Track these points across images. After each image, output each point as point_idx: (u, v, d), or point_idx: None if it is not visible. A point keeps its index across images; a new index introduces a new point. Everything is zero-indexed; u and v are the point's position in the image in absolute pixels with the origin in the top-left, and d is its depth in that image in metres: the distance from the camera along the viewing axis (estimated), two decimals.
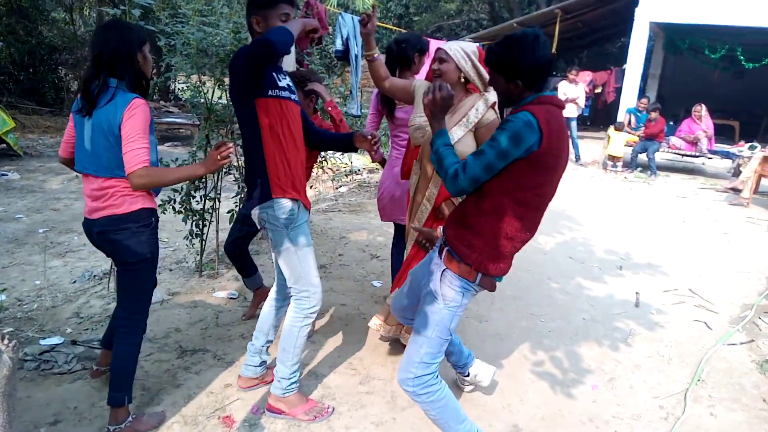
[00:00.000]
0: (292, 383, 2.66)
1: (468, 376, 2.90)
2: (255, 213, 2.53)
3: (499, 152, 1.97)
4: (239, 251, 3.62)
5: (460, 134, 2.73)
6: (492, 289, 2.24)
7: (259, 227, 2.58)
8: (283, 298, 2.85)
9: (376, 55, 2.95)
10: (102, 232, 2.37)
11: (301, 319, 2.61)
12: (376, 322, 3.21)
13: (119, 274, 2.50)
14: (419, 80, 3.05)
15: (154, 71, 15.51)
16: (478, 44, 3.06)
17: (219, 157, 2.30)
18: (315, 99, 3.61)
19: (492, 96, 2.77)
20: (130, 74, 2.34)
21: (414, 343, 2.28)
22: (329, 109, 3.56)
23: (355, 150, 2.91)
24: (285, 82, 2.54)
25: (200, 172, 2.39)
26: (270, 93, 2.43)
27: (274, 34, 2.26)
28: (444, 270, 2.20)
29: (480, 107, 2.76)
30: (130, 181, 2.23)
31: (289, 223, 2.49)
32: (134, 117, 2.24)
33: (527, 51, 2.01)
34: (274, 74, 2.47)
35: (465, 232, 2.16)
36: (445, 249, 2.21)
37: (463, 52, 2.75)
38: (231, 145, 2.29)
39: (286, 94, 2.51)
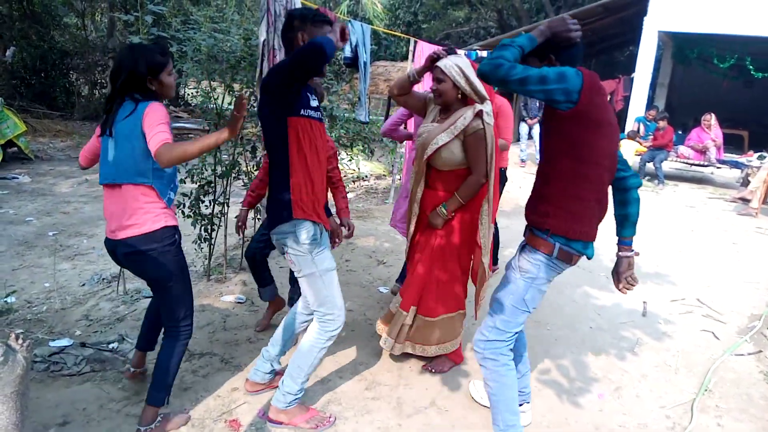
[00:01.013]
0: (295, 399, 2.65)
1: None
2: (278, 237, 2.47)
3: (542, 75, 2.07)
4: (260, 257, 3.54)
5: (446, 139, 2.91)
6: (570, 261, 2.30)
7: (281, 251, 2.53)
8: (310, 313, 2.81)
9: (417, 80, 3.13)
10: (128, 254, 2.38)
11: (324, 341, 2.59)
12: (388, 343, 3.20)
13: (153, 290, 2.57)
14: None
15: None
16: (467, 54, 3.17)
17: (237, 114, 2.19)
18: None
19: (480, 106, 2.92)
20: (148, 95, 2.36)
21: (491, 310, 2.45)
22: None
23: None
24: (315, 102, 2.51)
25: (224, 136, 2.23)
26: (302, 112, 2.40)
27: (318, 39, 2.22)
28: (524, 245, 2.37)
29: (468, 115, 2.90)
30: (158, 160, 2.15)
31: (313, 248, 2.46)
32: (153, 112, 2.25)
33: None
34: (307, 93, 2.44)
35: (537, 203, 2.33)
36: (526, 228, 2.39)
37: (458, 68, 2.89)
38: (246, 96, 2.23)
39: (316, 114, 2.48)
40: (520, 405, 2.73)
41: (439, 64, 2.91)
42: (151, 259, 2.36)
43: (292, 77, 2.27)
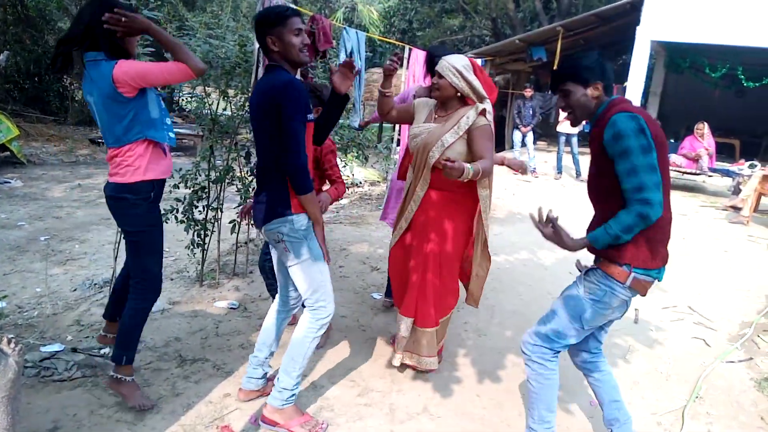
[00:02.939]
0: (293, 395, 2.65)
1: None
2: (272, 227, 2.52)
3: (647, 166, 2.05)
4: (269, 266, 3.46)
5: (451, 140, 2.93)
6: (644, 292, 2.26)
7: (276, 241, 2.56)
8: (287, 310, 2.87)
9: (387, 93, 3.12)
10: (108, 198, 2.60)
11: (315, 329, 2.61)
12: (399, 359, 3.20)
13: (125, 240, 2.70)
14: (417, 99, 3.25)
15: None
16: (470, 55, 3.19)
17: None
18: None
19: (482, 105, 2.96)
20: (106, 47, 2.43)
21: (546, 316, 2.43)
22: None
23: (346, 99, 2.79)
24: (311, 104, 2.56)
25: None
26: (309, 117, 2.47)
27: (301, 179, 2.41)
28: (594, 268, 2.30)
29: (471, 115, 2.94)
30: (192, 68, 2.43)
31: (308, 234, 2.53)
32: (126, 65, 2.38)
33: (602, 58, 2.25)
34: (308, 102, 2.48)
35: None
36: (599, 258, 2.30)
37: (455, 69, 2.93)
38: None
39: (312, 116, 2.52)
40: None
41: (440, 71, 2.94)
42: (123, 209, 2.57)
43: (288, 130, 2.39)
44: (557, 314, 2.37)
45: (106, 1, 2.43)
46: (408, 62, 6.67)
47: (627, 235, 2.12)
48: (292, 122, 2.35)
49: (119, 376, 2.66)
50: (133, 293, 2.68)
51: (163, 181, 2.71)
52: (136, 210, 2.56)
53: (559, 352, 2.42)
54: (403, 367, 3.26)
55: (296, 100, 2.36)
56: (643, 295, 2.27)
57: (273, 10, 2.48)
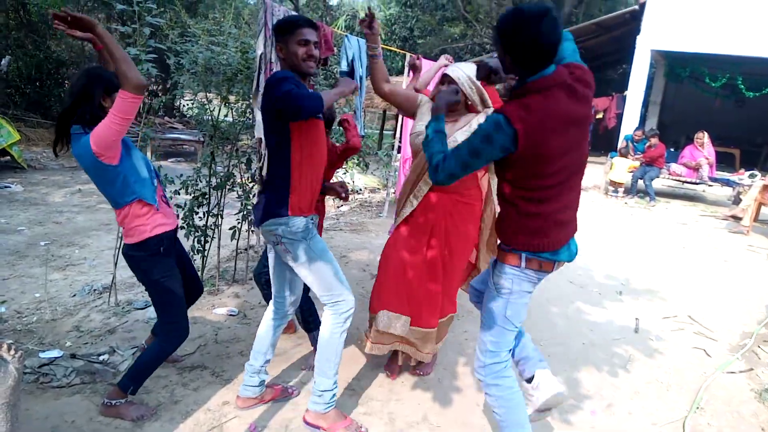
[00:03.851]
0: (333, 396, 2.65)
1: (530, 381, 2.59)
2: (268, 227, 2.54)
3: (472, 150, 2.05)
4: (265, 279, 3.36)
5: (461, 139, 2.85)
6: (545, 268, 2.25)
7: (274, 242, 2.57)
8: (281, 317, 2.86)
9: (378, 52, 3.05)
10: (124, 255, 2.72)
11: (340, 324, 2.60)
12: (370, 348, 3.17)
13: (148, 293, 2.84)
14: (423, 97, 3.17)
15: (160, 88, 15.65)
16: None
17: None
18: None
19: (491, 110, 2.92)
20: (84, 120, 2.48)
21: (480, 332, 2.42)
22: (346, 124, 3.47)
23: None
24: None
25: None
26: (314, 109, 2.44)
27: (306, 99, 2.30)
28: (495, 261, 2.34)
29: (482, 119, 2.89)
30: (130, 84, 2.33)
31: (306, 234, 2.54)
32: (96, 135, 2.38)
33: (518, 27, 1.97)
34: (299, 82, 2.47)
35: (500, 223, 2.31)
36: (498, 245, 2.36)
37: (467, 78, 2.88)
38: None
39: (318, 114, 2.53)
40: (531, 378, 2.54)
41: (450, 73, 2.91)
42: (138, 266, 2.70)
43: (276, 110, 2.40)
44: (487, 324, 2.36)
45: (94, 73, 2.55)
46: (409, 70, 6.69)
47: (426, 145, 2.21)
48: (286, 92, 2.32)
49: (113, 402, 2.68)
50: (160, 335, 2.81)
51: (172, 232, 2.78)
52: (148, 264, 2.68)
53: (507, 360, 2.40)
54: (399, 370, 3.26)
55: (282, 80, 2.37)
56: (548, 272, 2.28)
57: (287, 19, 2.55)
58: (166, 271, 2.72)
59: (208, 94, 4.33)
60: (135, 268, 2.72)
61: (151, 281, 2.71)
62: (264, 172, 3.10)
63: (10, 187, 7.68)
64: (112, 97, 2.46)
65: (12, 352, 1.50)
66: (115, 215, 2.68)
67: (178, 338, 2.78)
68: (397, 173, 7.53)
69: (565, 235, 2.25)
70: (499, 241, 2.34)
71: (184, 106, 14.17)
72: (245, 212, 4.45)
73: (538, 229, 2.19)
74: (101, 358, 3.21)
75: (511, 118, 1.97)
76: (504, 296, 2.29)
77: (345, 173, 8.54)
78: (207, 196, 4.22)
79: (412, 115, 3.15)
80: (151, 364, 2.76)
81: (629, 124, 12.19)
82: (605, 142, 15.99)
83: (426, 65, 5.96)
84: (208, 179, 4.22)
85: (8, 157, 8.66)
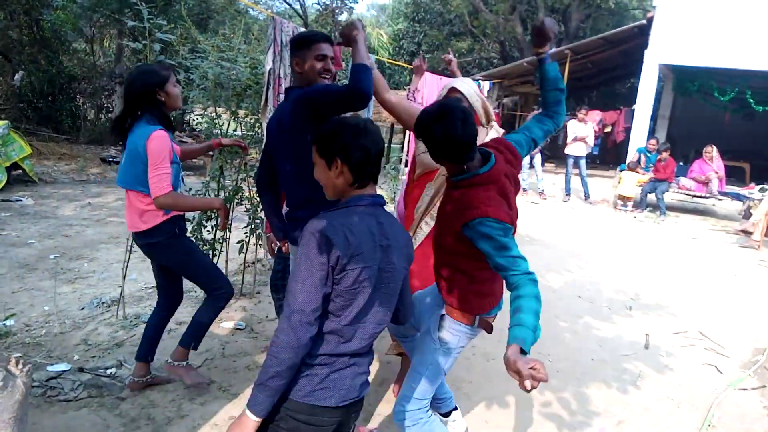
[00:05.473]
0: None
1: (447, 416, 2.71)
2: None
3: (499, 248, 1.99)
4: (281, 284, 3.40)
5: None
6: (489, 330, 2.27)
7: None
8: None
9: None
10: (142, 246, 2.85)
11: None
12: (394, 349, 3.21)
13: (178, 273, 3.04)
14: None
15: None
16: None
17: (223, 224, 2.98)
18: None
19: (493, 126, 3.01)
20: (152, 110, 2.70)
21: (409, 379, 2.35)
22: None
23: None
24: None
25: (216, 206, 2.93)
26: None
27: (363, 81, 2.27)
28: (443, 315, 2.28)
29: (492, 134, 2.92)
30: (155, 202, 2.63)
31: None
32: (154, 145, 2.60)
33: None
34: None
35: (448, 287, 2.25)
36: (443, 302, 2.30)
37: (473, 91, 2.91)
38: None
39: None
40: (449, 413, 2.67)
41: (458, 86, 2.92)
42: (160, 250, 2.84)
43: (335, 109, 2.30)
44: (420, 374, 2.31)
45: (147, 70, 2.75)
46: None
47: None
48: (333, 90, 2.36)
49: (176, 363, 2.91)
50: (209, 298, 2.97)
51: (183, 216, 2.94)
52: (171, 246, 2.83)
53: (428, 404, 2.37)
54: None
55: (314, 89, 2.43)
56: (489, 332, 2.27)
57: (305, 34, 2.62)
58: (188, 247, 2.91)
59: (217, 109, 4.36)
60: (155, 254, 2.88)
61: (178, 263, 2.88)
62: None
63: (21, 200, 7.74)
64: (165, 89, 2.70)
65: (20, 366, 1.50)
66: (132, 202, 2.77)
67: (225, 297, 2.95)
68: (403, 187, 7.52)
69: (500, 285, 2.28)
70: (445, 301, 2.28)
71: (193, 120, 14.29)
72: (253, 226, 4.46)
73: (489, 291, 2.24)
74: (109, 371, 3.22)
75: (498, 217, 1.99)
76: (446, 352, 2.28)
77: None
78: (215, 210, 4.23)
79: (412, 129, 3.15)
80: (207, 322, 2.95)
81: (638, 138, 12.15)
82: (614, 156, 15.95)
83: (432, 79, 5.97)
84: (216, 193, 4.24)
85: (20, 171, 8.74)
